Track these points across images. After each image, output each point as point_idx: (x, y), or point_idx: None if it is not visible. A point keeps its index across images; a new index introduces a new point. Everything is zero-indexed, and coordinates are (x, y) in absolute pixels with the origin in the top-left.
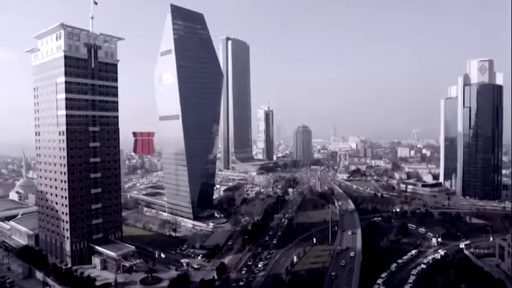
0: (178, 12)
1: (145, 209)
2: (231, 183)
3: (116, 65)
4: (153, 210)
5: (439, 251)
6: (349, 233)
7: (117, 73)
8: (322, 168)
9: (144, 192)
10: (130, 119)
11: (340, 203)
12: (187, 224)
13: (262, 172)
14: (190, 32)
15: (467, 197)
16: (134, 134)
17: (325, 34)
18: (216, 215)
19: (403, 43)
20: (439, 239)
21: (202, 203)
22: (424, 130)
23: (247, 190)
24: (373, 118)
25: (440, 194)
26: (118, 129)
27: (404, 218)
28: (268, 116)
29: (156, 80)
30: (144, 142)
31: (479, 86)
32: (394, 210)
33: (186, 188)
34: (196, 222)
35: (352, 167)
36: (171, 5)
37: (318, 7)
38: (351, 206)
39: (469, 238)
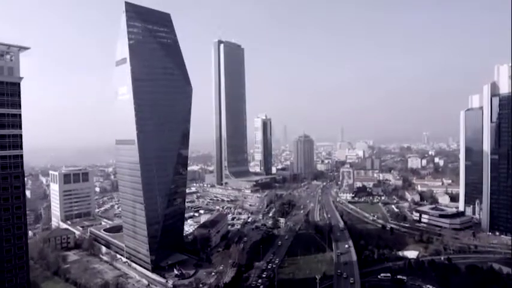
0: (136, 12)
1: (104, 249)
2: (217, 207)
3: (18, 84)
4: (112, 253)
5: None
6: None
7: (19, 96)
8: (325, 184)
9: (108, 225)
10: None
11: (338, 245)
12: (143, 279)
13: (257, 189)
14: (151, 36)
15: (497, 233)
16: None
17: (330, 36)
18: (175, 271)
19: (409, 44)
20: None
21: (168, 246)
22: (433, 132)
23: (233, 219)
24: (382, 120)
25: (462, 227)
26: (22, 173)
27: (420, 272)
28: (265, 126)
29: (113, 94)
30: None
31: (511, 97)
32: (406, 257)
33: (144, 231)
34: (155, 276)
35: (358, 184)
36: (126, 3)
37: (322, 8)
38: (352, 252)
39: None
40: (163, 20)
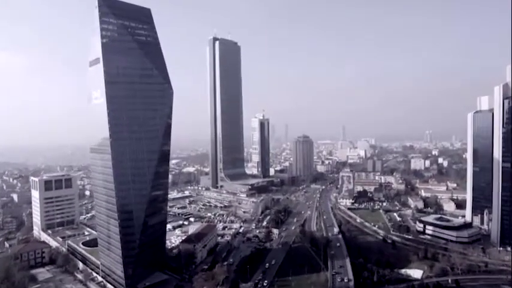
0: (110, 7)
1: (81, 265)
2: (209, 214)
3: None
4: (89, 270)
5: None
6: None
7: None
8: (324, 187)
9: (89, 238)
10: None
11: (335, 264)
12: None
13: (253, 193)
14: (128, 33)
15: (509, 248)
16: None
17: (330, 36)
18: None
19: (409, 44)
20: None
21: (147, 263)
22: (436, 130)
23: (224, 228)
24: (384, 119)
25: (470, 240)
26: None
27: None
28: (263, 126)
29: (86, 97)
30: None
31: None
32: (409, 277)
33: (118, 250)
34: None
35: (358, 187)
36: None
37: (322, 8)
38: (349, 274)
39: None
40: (142, 16)
